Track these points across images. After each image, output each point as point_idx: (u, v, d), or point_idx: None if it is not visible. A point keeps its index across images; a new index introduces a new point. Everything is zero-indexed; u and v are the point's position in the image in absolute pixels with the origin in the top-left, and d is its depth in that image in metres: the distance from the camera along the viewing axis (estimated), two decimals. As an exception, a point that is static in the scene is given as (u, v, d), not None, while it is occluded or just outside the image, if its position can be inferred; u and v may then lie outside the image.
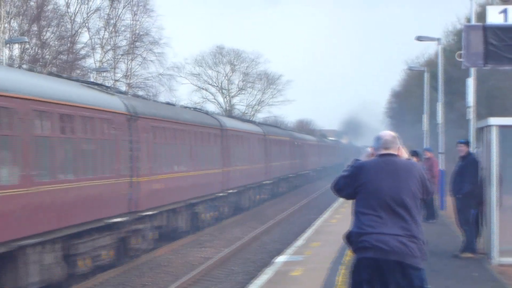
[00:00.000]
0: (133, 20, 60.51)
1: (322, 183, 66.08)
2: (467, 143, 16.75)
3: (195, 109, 34.99)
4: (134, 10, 60.43)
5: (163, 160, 23.56)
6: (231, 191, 33.30)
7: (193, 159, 27.21)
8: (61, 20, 52.65)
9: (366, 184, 7.11)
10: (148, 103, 25.23)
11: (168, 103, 30.08)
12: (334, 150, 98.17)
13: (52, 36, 51.22)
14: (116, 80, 59.10)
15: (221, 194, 31.48)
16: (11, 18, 47.67)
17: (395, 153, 7.26)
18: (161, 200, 23.20)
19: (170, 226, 24.92)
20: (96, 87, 20.98)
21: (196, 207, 27.84)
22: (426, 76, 40.72)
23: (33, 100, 15.06)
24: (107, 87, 23.05)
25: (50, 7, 51.20)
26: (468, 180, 16.00)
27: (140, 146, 21.22)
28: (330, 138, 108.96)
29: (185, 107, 33.89)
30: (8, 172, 14.06)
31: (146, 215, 21.80)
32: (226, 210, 32.99)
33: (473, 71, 20.87)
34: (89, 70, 53.63)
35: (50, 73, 21.93)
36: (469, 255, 16.04)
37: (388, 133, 7.41)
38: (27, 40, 44.58)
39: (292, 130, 69.85)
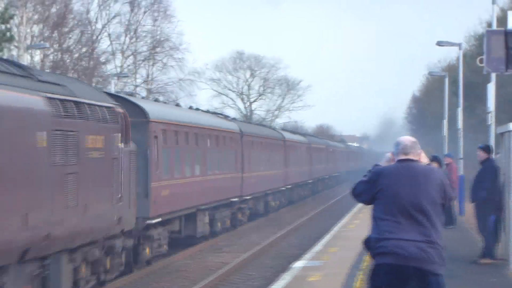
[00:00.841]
0: (153, 25, 60.74)
1: (347, 185, 66.67)
2: (485, 148, 16.46)
3: (264, 125, 48.01)
4: (155, 15, 60.65)
5: (255, 162, 34.41)
6: (288, 186, 44.05)
7: (269, 162, 38.13)
8: (84, 28, 52.88)
9: (385, 189, 7.05)
10: (247, 125, 37.02)
11: (248, 122, 42.89)
12: (358, 156, 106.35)
13: (73, 43, 51.40)
14: (136, 86, 59.29)
15: (283, 188, 42.22)
16: (33, 24, 47.94)
17: (415, 158, 7.18)
18: (253, 189, 33.63)
19: (255, 209, 35.47)
20: (221, 116, 33.33)
21: (268, 197, 38.41)
22: (447, 81, 40.50)
23: (205, 128, 26.52)
24: (228, 116, 34.93)
25: (72, 15, 51.43)
26: (485, 186, 15.82)
27: (244, 153, 32.13)
28: (351, 144, 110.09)
29: (260, 125, 47.36)
30: (197, 169, 25.06)
31: (246, 199, 32.44)
32: (284, 201, 43.61)
33: (493, 76, 20.75)
34: (110, 76, 53.83)
35: (197, 109, 31.70)
36: (488, 261, 15.87)
37: (407, 138, 7.34)
38: (48, 46, 44.79)
39: (317, 137, 71.60)
